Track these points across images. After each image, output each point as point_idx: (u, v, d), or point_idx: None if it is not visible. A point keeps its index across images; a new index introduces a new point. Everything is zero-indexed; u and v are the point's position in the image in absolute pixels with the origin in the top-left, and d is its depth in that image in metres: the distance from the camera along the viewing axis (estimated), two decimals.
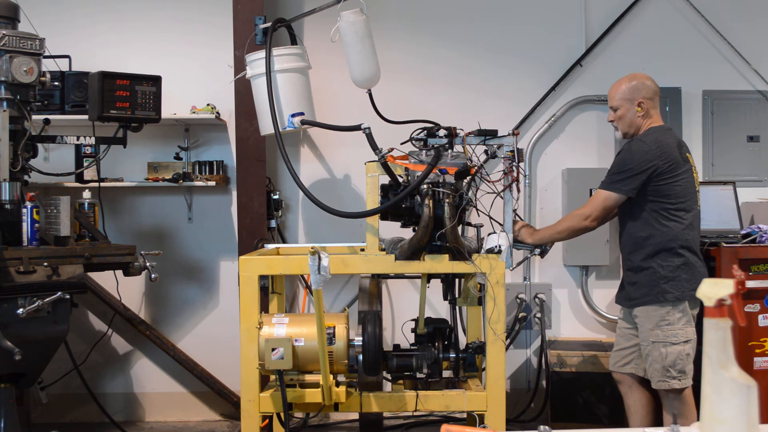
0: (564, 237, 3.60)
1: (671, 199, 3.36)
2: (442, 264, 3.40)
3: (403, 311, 4.83)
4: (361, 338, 3.36)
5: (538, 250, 3.55)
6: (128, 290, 4.69)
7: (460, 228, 3.45)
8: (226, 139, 4.93)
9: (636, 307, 3.45)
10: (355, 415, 4.46)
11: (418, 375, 3.60)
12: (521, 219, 3.68)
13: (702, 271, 3.41)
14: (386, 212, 3.44)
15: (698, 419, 1.44)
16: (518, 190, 3.51)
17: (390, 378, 3.71)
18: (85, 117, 4.02)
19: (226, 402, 4.87)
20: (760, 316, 3.98)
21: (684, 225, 3.38)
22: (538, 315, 4.83)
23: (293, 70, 3.97)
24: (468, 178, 3.43)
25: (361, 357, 3.35)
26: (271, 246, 4.10)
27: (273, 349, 3.19)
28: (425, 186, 3.30)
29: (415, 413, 4.04)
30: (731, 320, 1.35)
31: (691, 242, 3.40)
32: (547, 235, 3.56)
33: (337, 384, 3.40)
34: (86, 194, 4.07)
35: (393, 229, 3.73)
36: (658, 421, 3.66)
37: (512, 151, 3.47)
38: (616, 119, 3.53)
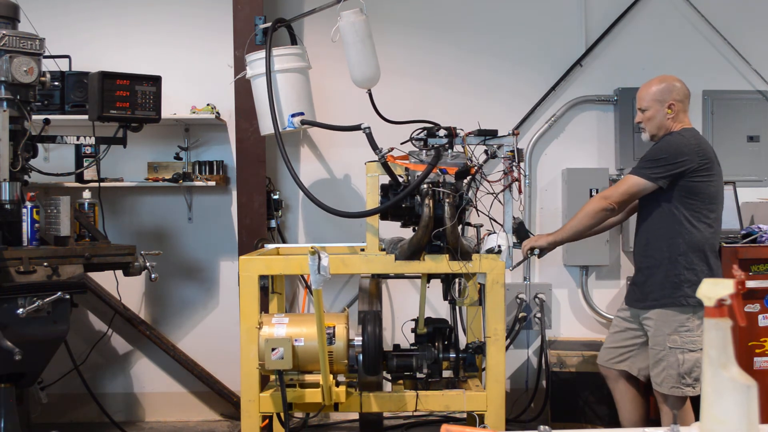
0: (585, 224, 3.42)
1: (704, 199, 3.29)
2: (442, 264, 3.40)
3: (403, 311, 4.83)
4: (361, 338, 3.36)
5: (537, 250, 3.54)
6: (128, 290, 4.69)
7: (460, 228, 3.45)
8: (226, 139, 4.93)
9: (651, 309, 3.36)
10: (355, 415, 4.46)
11: (418, 375, 3.60)
12: (523, 225, 3.64)
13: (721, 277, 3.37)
14: (386, 212, 3.44)
15: (696, 419, 1.44)
16: (519, 191, 3.50)
17: (390, 378, 3.71)
18: (85, 117, 4.02)
19: (226, 402, 4.87)
20: (760, 316, 3.98)
21: (713, 229, 3.33)
22: (538, 315, 4.83)
23: (293, 70, 3.97)
24: (468, 178, 3.43)
25: (361, 357, 3.35)
26: (271, 246, 4.11)
27: (273, 349, 3.19)
28: (425, 186, 3.30)
29: (415, 413, 4.04)
30: (731, 320, 1.35)
31: (716, 247, 3.36)
32: (567, 228, 3.48)
33: (337, 384, 3.40)
34: (86, 194, 4.07)
35: (393, 229, 3.74)
36: (649, 418, 3.68)
37: (512, 151, 3.47)
38: (644, 120, 3.43)
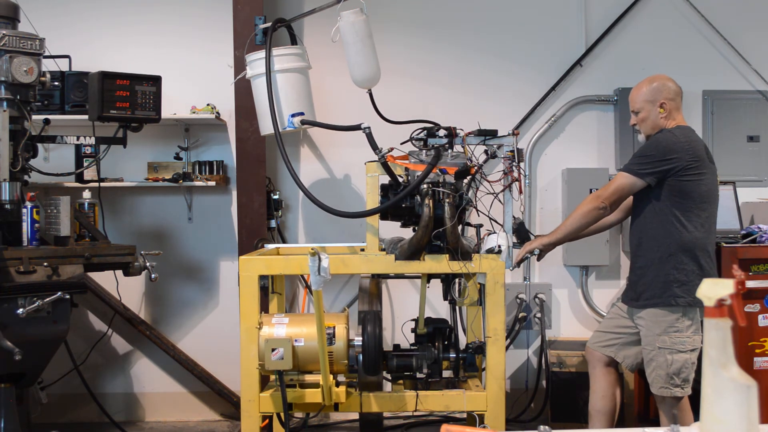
0: (579, 223, 3.43)
1: (695, 199, 3.26)
2: (442, 264, 3.40)
3: (403, 311, 4.83)
4: (361, 338, 3.36)
5: (537, 251, 3.53)
6: (128, 290, 4.69)
7: (460, 228, 3.45)
8: (226, 139, 4.93)
9: (644, 309, 3.35)
10: (355, 415, 4.46)
11: (418, 375, 3.60)
12: (523, 225, 3.64)
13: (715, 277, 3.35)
14: (386, 212, 3.44)
15: (696, 420, 1.44)
16: (520, 191, 3.50)
17: (390, 378, 3.71)
18: (85, 117, 4.02)
19: (226, 402, 4.87)
20: (760, 316, 3.98)
21: (705, 228, 3.30)
22: (538, 315, 4.83)
23: (293, 70, 3.97)
24: (468, 178, 3.43)
25: (361, 357, 3.35)
26: (271, 246, 4.11)
27: (273, 349, 3.19)
28: (425, 186, 3.30)
29: (415, 413, 4.05)
30: (731, 320, 1.35)
31: (709, 247, 3.32)
32: (561, 229, 3.49)
33: (337, 384, 3.40)
34: (86, 194, 4.07)
35: (393, 229, 3.74)
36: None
37: (512, 151, 3.47)
38: (638, 122, 3.44)
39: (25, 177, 3.71)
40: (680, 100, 3.44)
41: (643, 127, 3.45)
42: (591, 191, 4.71)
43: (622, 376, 3.70)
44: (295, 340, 3.24)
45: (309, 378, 3.36)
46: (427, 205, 3.28)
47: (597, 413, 3.58)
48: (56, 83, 4.36)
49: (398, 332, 4.53)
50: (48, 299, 3.37)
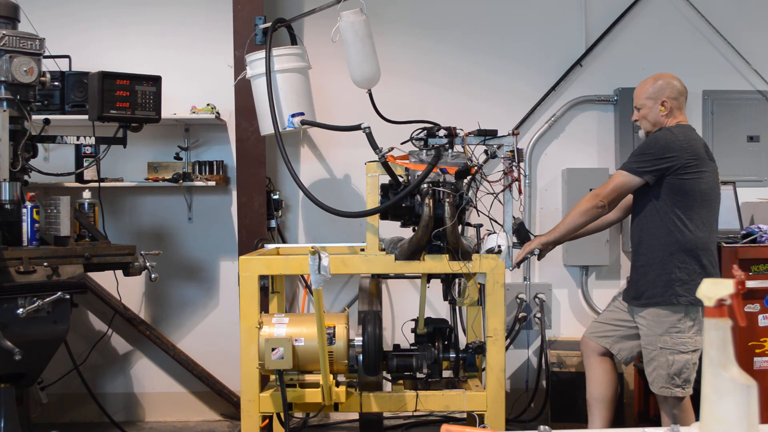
0: (577, 222, 3.43)
1: (695, 197, 3.26)
2: (442, 264, 3.40)
3: (403, 311, 4.83)
4: (361, 338, 3.36)
5: (537, 251, 3.53)
6: (128, 290, 4.69)
7: (460, 228, 3.45)
8: (226, 139, 4.93)
9: (646, 308, 3.34)
10: (355, 415, 4.46)
11: (418, 375, 3.60)
12: (523, 225, 3.63)
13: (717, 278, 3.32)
14: (386, 212, 3.44)
15: (696, 419, 1.44)
16: (519, 191, 3.50)
17: (390, 378, 3.71)
18: (85, 117, 4.02)
19: (226, 402, 4.87)
20: (760, 316, 3.98)
21: (707, 227, 3.29)
22: (538, 315, 4.83)
23: (293, 70, 3.97)
24: (468, 178, 3.43)
25: (361, 357, 3.36)
26: (271, 246, 4.11)
27: (273, 349, 3.19)
28: (425, 185, 3.30)
29: (415, 413, 4.04)
30: (731, 320, 1.35)
31: (711, 246, 3.32)
32: (560, 227, 3.48)
33: (337, 384, 3.40)
34: (86, 194, 4.07)
35: (393, 229, 3.74)
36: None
37: (512, 151, 3.47)
38: (639, 118, 3.46)
39: (25, 177, 3.71)
40: (684, 99, 3.44)
41: (643, 123, 3.46)
42: (591, 191, 4.72)
43: (622, 375, 3.69)
44: (295, 340, 3.25)
45: (309, 378, 3.36)
46: (427, 205, 3.28)
47: (594, 401, 3.56)
48: (56, 83, 4.35)
49: (398, 332, 4.53)
50: (48, 299, 3.37)
